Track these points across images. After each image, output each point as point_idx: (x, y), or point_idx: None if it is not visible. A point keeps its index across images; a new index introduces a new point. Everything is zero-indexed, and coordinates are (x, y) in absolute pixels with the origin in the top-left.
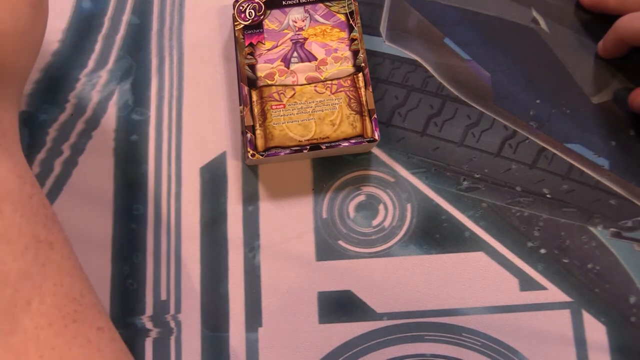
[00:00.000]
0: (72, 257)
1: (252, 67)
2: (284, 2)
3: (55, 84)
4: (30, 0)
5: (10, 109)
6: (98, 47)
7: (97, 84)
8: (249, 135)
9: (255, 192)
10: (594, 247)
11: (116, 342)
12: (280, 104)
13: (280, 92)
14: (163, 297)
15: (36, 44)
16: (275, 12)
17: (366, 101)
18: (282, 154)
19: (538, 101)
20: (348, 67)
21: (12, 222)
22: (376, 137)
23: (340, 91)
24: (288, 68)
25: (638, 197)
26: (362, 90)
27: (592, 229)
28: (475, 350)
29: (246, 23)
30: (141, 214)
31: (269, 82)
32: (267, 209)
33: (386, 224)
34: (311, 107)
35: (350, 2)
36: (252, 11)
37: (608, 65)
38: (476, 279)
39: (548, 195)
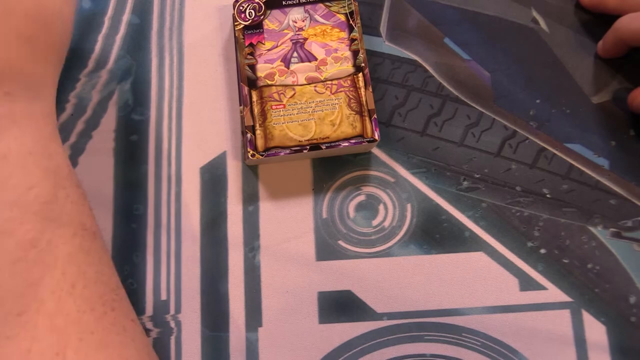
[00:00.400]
0: (108, 251)
1: (252, 67)
2: (284, 2)
3: None
4: None
5: (54, 95)
6: (98, 47)
7: (97, 84)
8: (249, 135)
9: (255, 192)
10: (594, 247)
11: (144, 335)
12: (280, 104)
13: (280, 92)
14: (163, 297)
15: (68, 24)
16: (275, 12)
17: (366, 101)
18: (282, 154)
19: (538, 101)
20: (348, 67)
21: (65, 207)
22: (376, 137)
23: (340, 91)
24: (288, 68)
25: (638, 197)
26: (362, 90)
27: (592, 229)
28: (475, 350)
29: (246, 23)
30: (141, 214)
31: (269, 82)
32: (267, 209)
33: (386, 224)
34: (311, 107)
35: (350, 2)
36: (252, 11)
37: (608, 66)
38: (476, 279)
39: (548, 195)
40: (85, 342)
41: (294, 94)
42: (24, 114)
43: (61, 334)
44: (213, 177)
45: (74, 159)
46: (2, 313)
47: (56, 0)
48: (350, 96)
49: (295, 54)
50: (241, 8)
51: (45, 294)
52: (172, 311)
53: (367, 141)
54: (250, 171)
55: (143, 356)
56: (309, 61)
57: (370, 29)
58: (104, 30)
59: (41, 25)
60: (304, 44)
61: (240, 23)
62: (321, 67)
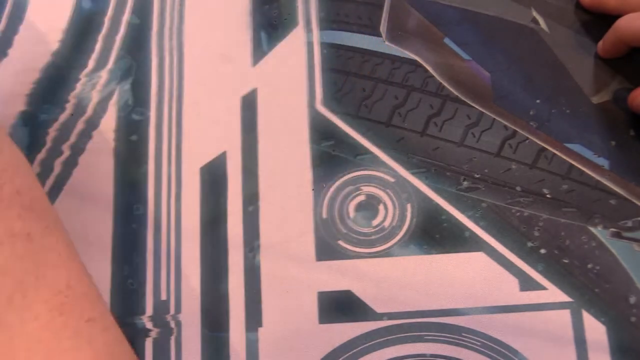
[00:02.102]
0: (58, 246)
1: None
2: None
3: (55, 84)
4: None
5: None
6: (98, 47)
7: (97, 84)
8: None
9: (255, 192)
10: (594, 247)
11: (109, 331)
12: None
13: None
14: (163, 297)
15: None
16: None
17: None
18: None
19: (538, 101)
20: None
21: None
22: None
23: None
24: None
25: (638, 197)
26: None
27: (592, 229)
28: (475, 350)
29: None
30: (141, 214)
31: None
32: (267, 209)
33: (386, 224)
34: None
35: None
36: None
37: (608, 66)
38: (476, 279)
39: (548, 195)
40: (34, 353)
41: None
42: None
43: (6, 349)
44: (213, 177)
45: (74, 159)
46: None
47: None
48: None
49: None
50: None
51: None
52: (172, 311)
53: None
54: (250, 171)
55: (100, 356)
56: None
57: (370, 29)
58: (104, 30)
59: None
60: None
61: None
62: None
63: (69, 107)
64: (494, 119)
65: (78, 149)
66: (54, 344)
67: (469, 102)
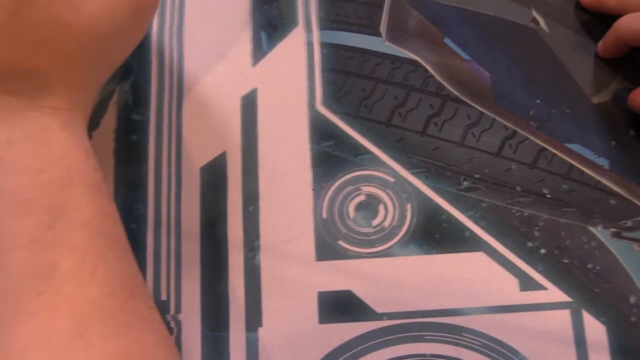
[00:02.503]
0: (124, 236)
1: None
2: None
3: None
4: (131, 8)
5: (88, 93)
6: None
7: None
8: None
9: (255, 192)
10: (594, 247)
11: (162, 323)
12: None
13: None
14: (163, 297)
15: (130, 44)
16: None
17: None
18: None
19: (538, 101)
20: None
21: (81, 191)
22: None
23: None
24: None
25: (638, 197)
26: None
27: (592, 229)
28: (475, 350)
29: None
30: (141, 214)
31: None
32: (267, 209)
33: (386, 224)
34: None
35: None
36: None
37: (608, 66)
38: (476, 279)
39: (548, 195)
40: (108, 326)
41: None
42: (28, 107)
43: (84, 317)
44: (213, 177)
45: None
46: (22, 290)
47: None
48: None
49: None
50: None
51: (66, 276)
52: (172, 311)
53: None
54: (250, 171)
55: (161, 343)
56: None
57: (370, 29)
58: None
59: (54, 35)
60: None
61: None
62: None
63: None
64: (494, 119)
65: None
66: (126, 322)
67: (469, 102)
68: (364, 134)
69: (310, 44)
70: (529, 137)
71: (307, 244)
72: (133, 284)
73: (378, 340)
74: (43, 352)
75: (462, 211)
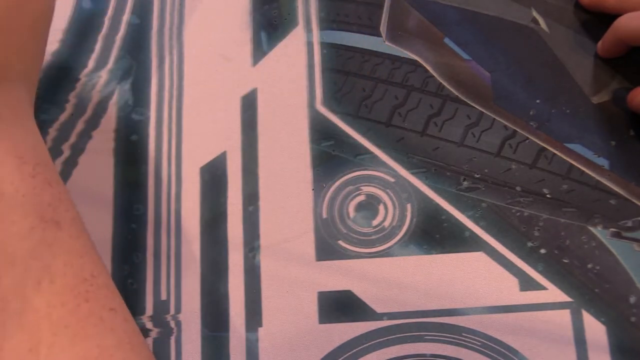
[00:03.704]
0: (82, 237)
1: None
2: None
3: (55, 84)
4: None
5: (20, 86)
6: (98, 47)
7: (97, 84)
8: None
9: (255, 192)
10: (594, 247)
11: (129, 323)
12: None
13: None
14: (163, 297)
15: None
16: None
17: None
18: None
19: (538, 101)
20: None
21: (15, 202)
22: None
23: None
24: None
25: (638, 197)
26: None
27: (592, 229)
28: (475, 350)
29: None
30: (141, 214)
31: None
32: (267, 209)
33: (386, 224)
34: None
35: None
36: None
37: (608, 66)
38: (476, 279)
39: (548, 195)
40: (60, 337)
41: None
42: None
43: (32, 331)
44: (213, 177)
45: (74, 159)
46: None
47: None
48: None
49: None
50: None
51: (8, 293)
52: (172, 311)
53: None
54: (250, 171)
55: (124, 345)
56: None
57: (370, 29)
58: (104, 30)
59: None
60: None
61: None
62: None
63: (69, 107)
64: (494, 119)
65: (78, 149)
66: (79, 329)
67: (469, 102)
68: (364, 134)
69: (310, 44)
70: (529, 137)
71: (307, 244)
72: (86, 289)
73: (378, 340)
74: None
75: (462, 211)
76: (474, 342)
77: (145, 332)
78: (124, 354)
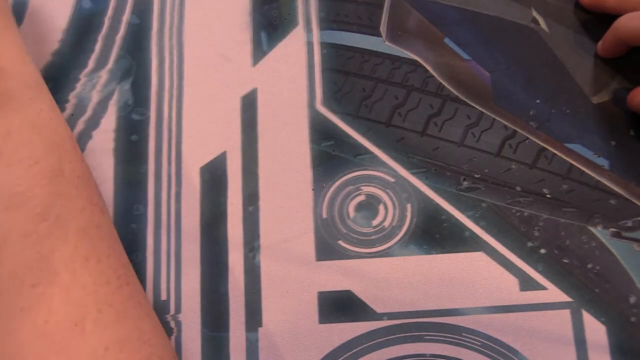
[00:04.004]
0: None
1: None
2: None
3: (55, 84)
4: None
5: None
6: (98, 47)
7: (97, 84)
8: None
9: (255, 192)
10: (594, 247)
11: (155, 314)
12: None
13: None
14: (163, 297)
15: None
16: None
17: None
18: None
19: (538, 101)
20: None
21: (72, 182)
22: None
23: None
24: None
25: (638, 197)
26: None
27: (592, 229)
28: (475, 350)
29: None
30: (141, 214)
31: None
32: (267, 209)
33: (386, 224)
34: None
35: None
36: None
37: (608, 66)
38: (476, 279)
39: (548, 195)
40: (104, 314)
41: None
42: (21, 86)
43: (78, 306)
44: (213, 177)
45: None
46: (15, 285)
47: None
48: None
49: None
50: None
51: (59, 266)
52: (172, 311)
53: None
54: (250, 171)
55: (159, 331)
56: None
57: (370, 29)
58: (104, 30)
59: None
60: None
61: None
62: None
63: (69, 107)
64: (494, 119)
65: None
66: (122, 309)
67: (469, 102)
68: (364, 134)
69: (310, 44)
70: (529, 137)
71: (307, 244)
72: (126, 272)
73: (378, 340)
74: (40, 344)
75: (462, 211)
76: (474, 342)
77: None
78: (159, 339)
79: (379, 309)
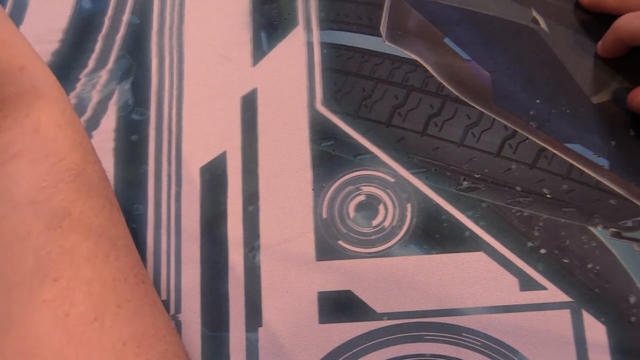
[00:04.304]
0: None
1: None
2: None
3: None
4: None
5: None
6: (98, 47)
7: (97, 84)
8: None
9: (255, 192)
10: (594, 247)
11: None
12: None
13: None
14: (163, 297)
15: None
16: None
17: None
18: None
19: (538, 101)
20: None
21: (93, 180)
22: None
23: None
24: None
25: (638, 197)
26: None
27: (592, 229)
28: (475, 350)
29: None
30: (141, 214)
31: None
32: (267, 209)
33: (386, 224)
34: None
35: None
36: None
37: (608, 66)
38: (476, 279)
39: (548, 195)
40: (123, 309)
41: None
42: (45, 85)
43: (99, 300)
44: (213, 177)
45: None
46: (38, 277)
47: None
48: None
49: None
50: None
51: (81, 261)
52: (172, 311)
53: None
54: (250, 171)
55: (171, 329)
56: None
57: (370, 29)
58: (104, 30)
59: None
60: None
61: None
62: None
63: None
64: (494, 119)
65: None
66: (139, 306)
67: (469, 102)
68: (364, 134)
69: (310, 44)
70: (529, 137)
71: (307, 244)
72: (141, 271)
73: (378, 340)
74: (60, 336)
75: (462, 211)
76: (474, 342)
77: None
78: (173, 337)
79: (379, 309)
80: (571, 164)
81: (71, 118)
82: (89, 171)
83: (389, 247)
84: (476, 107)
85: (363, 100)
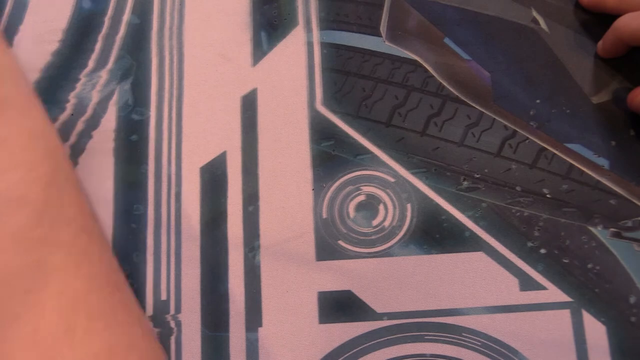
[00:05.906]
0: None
1: None
2: None
3: (55, 84)
4: None
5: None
6: (98, 47)
7: (97, 84)
8: None
9: (255, 192)
10: (594, 247)
11: (147, 319)
12: None
13: None
14: (163, 297)
15: None
16: None
17: None
18: None
19: (538, 101)
20: None
21: (65, 189)
22: None
23: None
24: None
25: (638, 197)
26: None
27: (592, 229)
28: (475, 350)
29: None
30: (141, 214)
31: None
32: (267, 209)
33: (386, 224)
34: None
35: None
36: None
37: (608, 66)
38: (476, 279)
39: (548, 195)
40: (95, 321)
41: None
42: (16, 95)
43: (69, 313)
44: (213, 177)
45: (74, 159)
46: (9, 291)
47: None
48: None
49: None
50: None
51: (52, 272)
52: (172, 311)
53: None
54: (250, 171)
55: (149, 337)
56: None
57: (370, 29)
58: (104, 30)
59: None
60: None
61: None
62: None
63: (69, 107)
64: (494, 119)
65: (78, 149)
66: (111, 315)
67: (469, 102)
68: (364, 134)
69: (310, 44)
70: (529, 137)
71: (307, 244)
72: (117, 278)
73: (378, 340)
74: (30, 352)
75: (462, 211)
76: (474, 342)
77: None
78: (150, 344)
79: (379, 309)
80: (571, 164)
81: (42, 127)
82: (61, 180)
83: (389, 247)
84: (476, 107)
85: (363, 100)
